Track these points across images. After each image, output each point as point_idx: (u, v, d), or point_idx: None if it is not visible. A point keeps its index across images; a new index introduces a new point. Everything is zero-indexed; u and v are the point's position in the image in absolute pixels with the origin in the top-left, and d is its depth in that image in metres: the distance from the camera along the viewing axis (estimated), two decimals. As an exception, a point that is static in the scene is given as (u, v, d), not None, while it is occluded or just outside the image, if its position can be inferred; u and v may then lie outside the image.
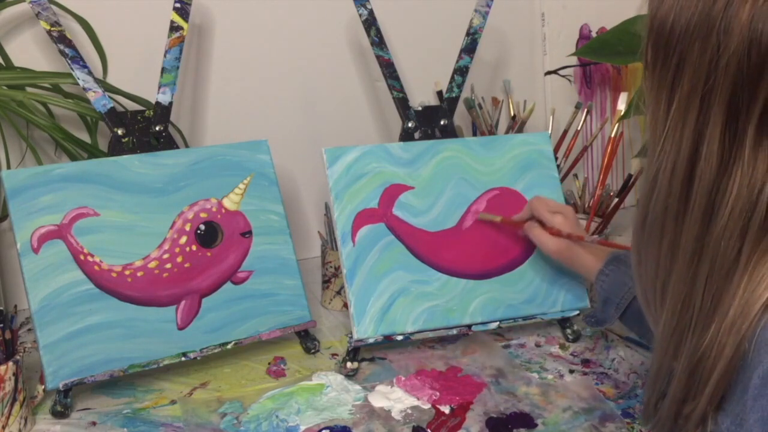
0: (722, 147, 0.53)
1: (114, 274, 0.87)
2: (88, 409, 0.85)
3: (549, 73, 1.34)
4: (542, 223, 0.94)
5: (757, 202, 0.52)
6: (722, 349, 0.53)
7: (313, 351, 0.97)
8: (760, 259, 0.53)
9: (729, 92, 0.52)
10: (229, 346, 0.91)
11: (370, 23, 1.03)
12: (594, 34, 1.36)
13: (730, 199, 0.52)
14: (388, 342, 0.93)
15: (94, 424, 0.82)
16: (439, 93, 1.21)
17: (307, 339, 0.98)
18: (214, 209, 0.94)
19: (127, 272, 0.88)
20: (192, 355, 0.89)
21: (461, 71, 1.06)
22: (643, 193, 0.60)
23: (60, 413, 0.83)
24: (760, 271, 0.52)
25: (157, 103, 0.97)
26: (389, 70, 1.03)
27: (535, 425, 0.81)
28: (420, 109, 1.05)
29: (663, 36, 0.56)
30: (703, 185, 0.54)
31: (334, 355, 0.97)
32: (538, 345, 0.99)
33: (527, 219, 0.97)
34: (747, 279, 0.53)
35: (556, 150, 1.13)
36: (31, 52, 1.04)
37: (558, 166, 1.08)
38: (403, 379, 0.91)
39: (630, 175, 1.11)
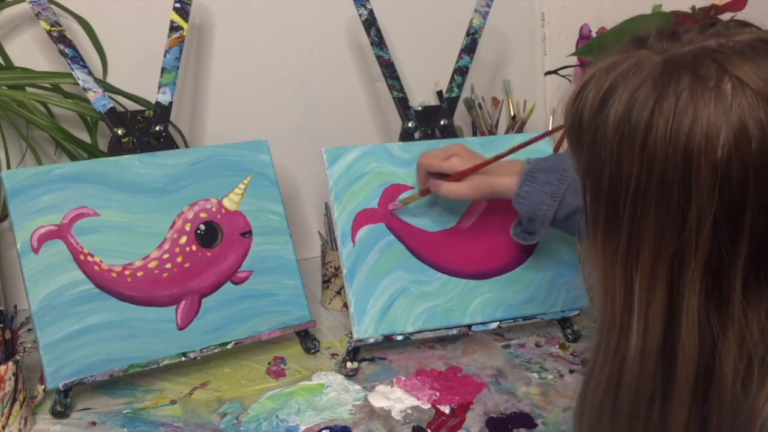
0: (705, 318, 0.42)
1: (114, 274, 0.87)
2: (88, 409, 0.85)
3: (549, 73, 1.34)
4: (442, 176, 0.90)
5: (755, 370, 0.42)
6: None
7: (313, 351, 0.97)
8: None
9: (708, 242, 0.40)
10: (229, 346, 0.91)
11: (370, 23, 1.03)
12: (594, 34, 1.35)
13: (725, 374, 0.42)
14: (388, 342, 0.93)
15: (94, 424, 0.82)
16: (439, 93, 1.21)
17: (307, 339, 0.98)
18: (214, 209, 0.94)
19: (127, 272, 0.88)
20: (192, 355, 0.89)
21: (461, 71, 1.06)
22: (602, 378, 0.49)
23: (60, 413, 0.83)
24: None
25: (157, 103, 0.97)
26: (389, 70, 1.03)
27: (535, 425, 0.81)
28: (420, 109, 1.05)
29: (602, 187, 0.45)
30: (687, 366, 0.43)
31: (334, 355, 0.97)
32: (538, 345, 0.99)
33: (426, 180, 0.93)
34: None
35: (556, 150, 1.13)
36: (31, 52, 1.04)
37: (558, 166, 1.08)
38: (403, 379, 0.91)
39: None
